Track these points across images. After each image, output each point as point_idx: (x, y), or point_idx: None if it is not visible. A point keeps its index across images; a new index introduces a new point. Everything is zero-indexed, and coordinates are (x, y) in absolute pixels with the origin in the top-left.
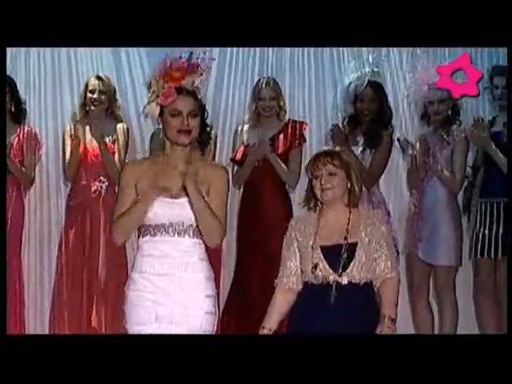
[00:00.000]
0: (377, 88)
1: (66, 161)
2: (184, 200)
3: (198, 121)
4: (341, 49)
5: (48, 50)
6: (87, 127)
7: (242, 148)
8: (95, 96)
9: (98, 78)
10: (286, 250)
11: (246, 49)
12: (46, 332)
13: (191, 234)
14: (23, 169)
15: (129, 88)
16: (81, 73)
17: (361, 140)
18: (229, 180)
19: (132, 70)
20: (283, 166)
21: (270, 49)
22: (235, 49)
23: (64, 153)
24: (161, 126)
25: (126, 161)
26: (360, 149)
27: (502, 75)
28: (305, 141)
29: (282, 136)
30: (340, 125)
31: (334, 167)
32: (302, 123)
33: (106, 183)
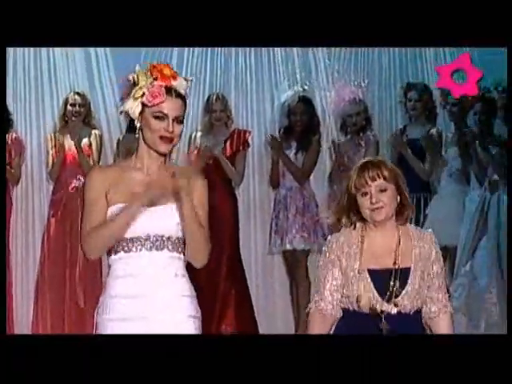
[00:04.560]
0: (307, 102)
1: (49, 164)
2: (161, 207)
3: (182, 129)
4: (277, 67)
5: (32, 62)
6: (67, 135)
7: (196, 151)
8: (76, 109)
9: (78, 93)
10: (323, 271)
11: (198, 66)
12: (30, 327)
13: (170, 247)
14: (12, 170)
15: (99, 97)
16: (59, 84)
17: (294, 144)
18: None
19: (103, 84)
20: (231, 166)
21: (219, 67)
22: (189, 67)
23: (47, 157)
24: (138, 126)
25: (94, 166)
26: (293, 152)
27: (414, 90)
28: (249, 146)
29: (229, 142)
30: (277, 134)
31: (385, 181)
32: (246, 132)
33: (83, 181)
